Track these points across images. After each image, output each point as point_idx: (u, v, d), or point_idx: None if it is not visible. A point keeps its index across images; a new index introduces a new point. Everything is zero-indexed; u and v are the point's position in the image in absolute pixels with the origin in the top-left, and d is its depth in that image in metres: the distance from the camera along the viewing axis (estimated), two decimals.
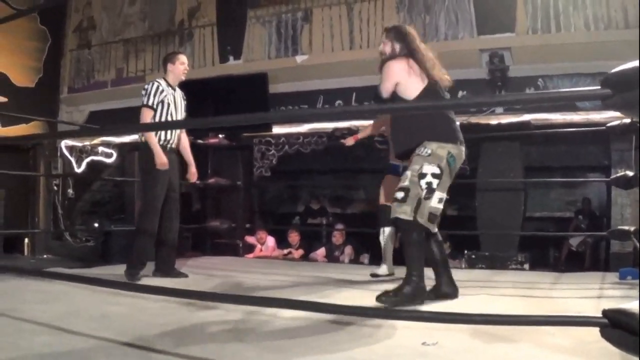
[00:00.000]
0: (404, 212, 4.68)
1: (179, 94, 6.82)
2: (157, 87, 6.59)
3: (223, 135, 10.67)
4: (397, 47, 5.10)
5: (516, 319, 2.98)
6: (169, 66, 6.78)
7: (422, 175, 4.70)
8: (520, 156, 9.23)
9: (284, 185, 13.96)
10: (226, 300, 3.69)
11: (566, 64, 8.70)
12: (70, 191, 12.57)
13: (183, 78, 6.87)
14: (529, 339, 3.55)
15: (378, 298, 4.65)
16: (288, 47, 10.52)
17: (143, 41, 12.03)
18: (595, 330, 2.33)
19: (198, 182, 7.91)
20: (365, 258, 10.37)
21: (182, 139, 6.92)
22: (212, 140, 10.81)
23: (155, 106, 6.54)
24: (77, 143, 12.62)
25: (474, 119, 8.85)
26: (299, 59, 10.04)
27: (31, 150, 12.64)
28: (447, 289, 5.14)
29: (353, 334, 3.80)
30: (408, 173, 4.76)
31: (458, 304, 4.92)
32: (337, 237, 10.26)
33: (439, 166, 4.72)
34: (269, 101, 10.08)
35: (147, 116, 6.55)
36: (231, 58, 11.02)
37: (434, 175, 4.71)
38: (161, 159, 6.41)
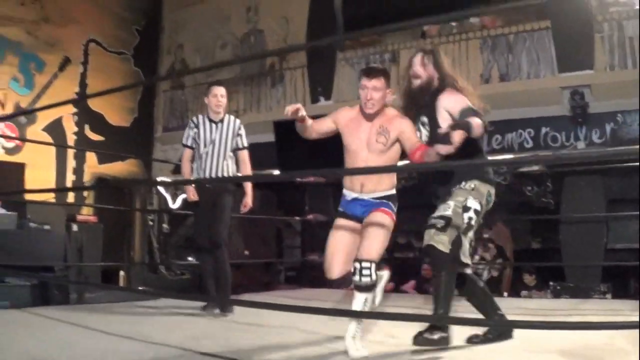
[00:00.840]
0: (441, 242, 4.27)
1: (228, 125, 6.62)
2: (189, 124, 6.69)
3: None
4: (435, 75, 4.59)
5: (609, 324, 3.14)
6: (205, 100, 6.67)
7: (467, 209, 4.33)
8: (602, 189, 9.41)
9: None
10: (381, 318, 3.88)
11: None
12: (165, 226, 13.04)
13: (219, 110, 6.59)
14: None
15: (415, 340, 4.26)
16: None
17: (235, 83, 12.28)
18: None
19: (298, 218, 8.07)
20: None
21: (241, 169, 6.71)
22: (310, 179, 11.12)
23: (189, 144, 6.62)
24: None
25: None
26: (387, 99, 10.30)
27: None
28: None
29: (452, 354, 4.17)
30: (451, 203, 4.36)
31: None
32: (428, 271, 10.38)
33: (480, 203, 4.39)
34: None
35: (184, 153, 6.73)
36: (322, 99, 11.37)
37: (476, 212, 4.36)
38: (187, 192, 6.63)
